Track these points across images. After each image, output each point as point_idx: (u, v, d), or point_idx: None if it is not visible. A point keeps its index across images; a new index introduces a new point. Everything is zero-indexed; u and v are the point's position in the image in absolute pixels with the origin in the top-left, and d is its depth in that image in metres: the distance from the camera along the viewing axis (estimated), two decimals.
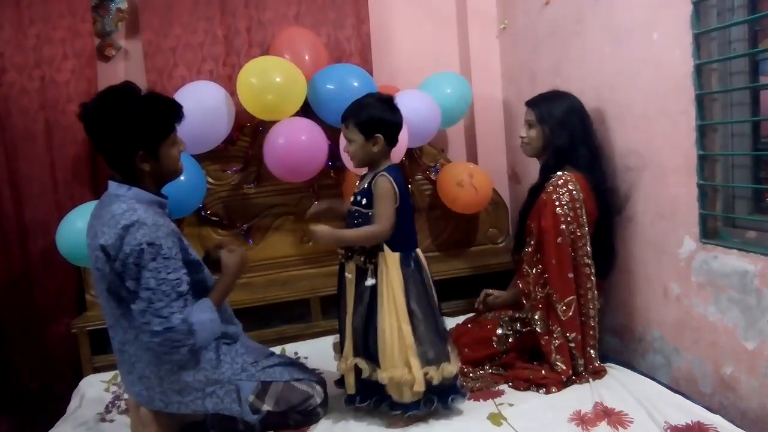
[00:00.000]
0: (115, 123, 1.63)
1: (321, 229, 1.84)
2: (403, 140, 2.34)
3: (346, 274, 1.90)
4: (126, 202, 1.67)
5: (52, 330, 2.67)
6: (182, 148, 1.80)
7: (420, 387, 1.79)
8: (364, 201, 1.87)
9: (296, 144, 2.52)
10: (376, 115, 1.84)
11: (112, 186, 1.72)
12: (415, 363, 1.80)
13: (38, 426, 2.19)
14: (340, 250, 1.93)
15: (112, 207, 1.66)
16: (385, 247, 1.84)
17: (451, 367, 1.85)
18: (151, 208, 1.70)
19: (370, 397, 1.88)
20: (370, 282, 1.84)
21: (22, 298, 2.68)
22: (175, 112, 1.74)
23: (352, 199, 1.93)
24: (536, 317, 2.10)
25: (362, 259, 1.85)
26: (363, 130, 1.84)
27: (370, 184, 1.87)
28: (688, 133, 1.88)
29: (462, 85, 2.88)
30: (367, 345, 1.86)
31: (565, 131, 2.18)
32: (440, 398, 1.85)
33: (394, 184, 1.83)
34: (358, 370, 1.87)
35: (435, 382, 1.81)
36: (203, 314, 1.71)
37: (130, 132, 1.65)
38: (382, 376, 1.81)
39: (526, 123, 2.28)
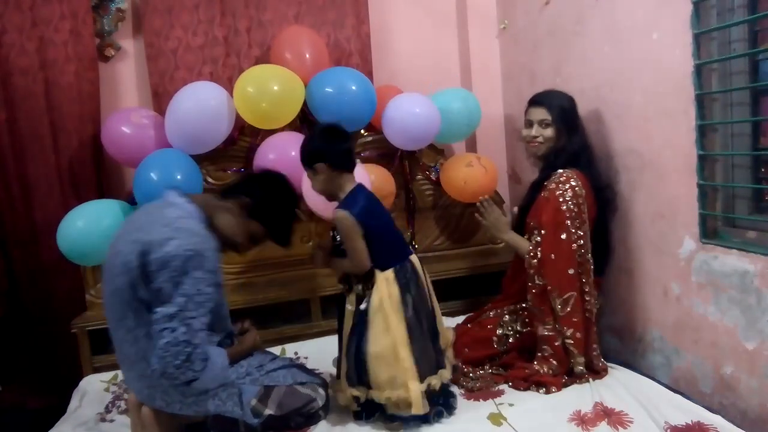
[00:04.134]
0: (284, 201, 1.90)
1: (319, 255, 1.98)
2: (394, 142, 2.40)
3: (347, 306, 1.91)
4: (182, 210, 1.71)
5: (62, 328, 2.66)
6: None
7: (418, 409, 1.78)
8: (338, 236, 1.91)
9: (286, 160, 2.39)
10: (313, 147, 1.91)
11: (171, 195, 1.77)
12: (413, 386, 1.79)
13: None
14: (342, 285, 1.95)
15: (166, 210, 1.71)
16: (376, 271, 1.86)
17: (447, 372, 1.90)
18: (200, 225, 1.73)
19: (373, 414, 1.89)
20: (364, 306, 1.85)
21: (36, 296, 2.72)
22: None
23: (331, 233, 1.97)
24: (534, 307, 2.10)
25: (361, 287, 1.88)
26: (308, 165, 1.91)
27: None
28: (688, 133, 1.88)
29: (471, 103, 2.85)
30: (359, 370, 1.85)
31: (578, 131, 2.21)
32: (444, 402, 1.87)
33: (350, 215, 1.83)
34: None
35: (437, 389, 1.84)
36: (218, 357, 1.70)
37: (283, 209, 1.89)
38: (378, 396, 1.82)
39: (540, 122, 2.21)
